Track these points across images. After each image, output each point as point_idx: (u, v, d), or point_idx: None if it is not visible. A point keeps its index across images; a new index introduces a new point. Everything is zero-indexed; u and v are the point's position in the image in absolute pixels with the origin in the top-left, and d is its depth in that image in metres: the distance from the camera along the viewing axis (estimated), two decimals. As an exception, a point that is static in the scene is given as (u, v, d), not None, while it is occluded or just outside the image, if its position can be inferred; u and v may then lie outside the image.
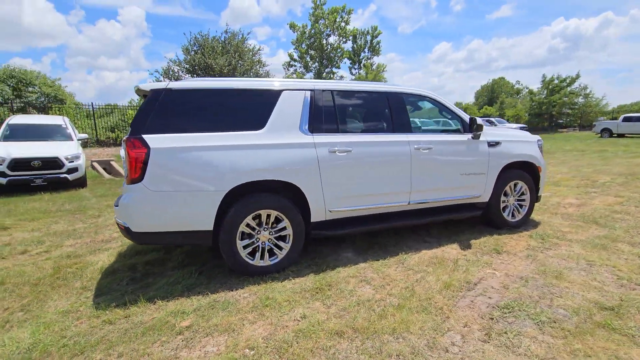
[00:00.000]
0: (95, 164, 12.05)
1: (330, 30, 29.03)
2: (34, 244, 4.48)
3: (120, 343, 2.29)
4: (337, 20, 28.41)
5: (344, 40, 30.12)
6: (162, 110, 3.03)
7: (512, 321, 2.45)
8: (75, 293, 3.08)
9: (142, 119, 2.97)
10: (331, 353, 2.15)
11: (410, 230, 4.49)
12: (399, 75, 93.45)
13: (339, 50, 29.94)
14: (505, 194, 4.49)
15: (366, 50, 32.86)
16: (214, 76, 16.85)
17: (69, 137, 9.12)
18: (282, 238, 3.38)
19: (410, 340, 2.26)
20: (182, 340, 2.32)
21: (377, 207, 3.75)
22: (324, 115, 3.52)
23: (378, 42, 32.55)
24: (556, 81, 35.99)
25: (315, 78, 29.88)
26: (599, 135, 24.01)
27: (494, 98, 54.93)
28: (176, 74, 17.63)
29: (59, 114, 14.50)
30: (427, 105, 4.32)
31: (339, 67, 30.89)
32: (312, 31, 28.41)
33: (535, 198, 4.64)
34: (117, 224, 3.14)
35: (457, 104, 54.84)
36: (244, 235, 3.22)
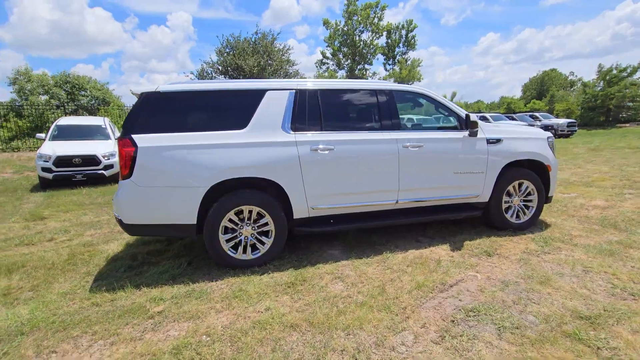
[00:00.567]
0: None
1: (363, 27, 28.72)
2: (61, 233, 5.00)
3: (98, 323, 2.54)
4: (371, 16, 28.02)
5: (377, 36, 29.64)
6: (151, 111, 3.27)
7: (472, 325, 2.38)
8: (78, 277, 3.43)
9: (133, 120, 3.23)
10: (279, 344, 2.23)
11: (406, 230, 4.43)
12: (442, 69, 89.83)
13: (371, 46, 29.51)
14: (509, 194, 4.27)
15: (401, 45, 32.07)
16: (244, 76, 17.45)
17: (107, 137, 9.94)
18: (265, 233, 3.50)
19: (360, 337, 2.28)
20: (151, 324, 2.52)
21: (362, 206, 3.75)
22: (308, 114, 3.58)
23: (413, 37, 31.65)
24: (615, 71, 32.71)
25: (347, 75, 29.75)
26: (663, 130, 21.54)
27: (544, 91, 51.14)
28: (210, 75, 18.50)
29: (105, 115, 15.84)
30: (422, 102, 4.21)
31: (371, 64, 30.50)
32: (345, 28, 28.28)
33: (543, 199, 4.35)
34: (115, 217, 3.44)
35: (503, 99, 51.79)
36: (227, 230, 3.39)
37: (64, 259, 3.89)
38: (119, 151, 3.16)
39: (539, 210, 4.37)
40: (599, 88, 34.07)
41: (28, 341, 2.35)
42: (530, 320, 2.40)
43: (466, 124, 3.91)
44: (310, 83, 3.72)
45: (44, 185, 8.67)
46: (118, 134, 3.13)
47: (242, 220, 3.42)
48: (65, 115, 14.78)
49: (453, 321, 2.43)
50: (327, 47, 29.45)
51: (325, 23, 28.65)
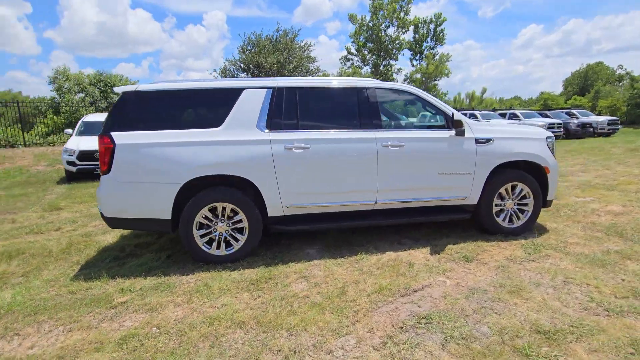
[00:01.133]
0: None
1: (389, 22, 28.13)
2: (69, 223, 5.34)
3: (65, 310, 2.70)
4: (397, 10, 27.34)
5: (404, 30, 28.90)
6: (131, 110, 3.41)
7: (420, 333, 2.30)
8: (67, 266, 3.65)
9: (113, 118, 3.38)
10: (219, 341, 2.27)
11: (392, 231, 4.32)
12: (478, 64, 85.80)
13: (397, 41, 28.82)
14: (501, 197, 4.05)
15: (429, 39, 31.08)
16: (265, 74, 17.66)
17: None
18: (239, 230, 3.56)
19: (301, 339, 2.27)
20: (112, 314, 2.64)
21: (339, 205, 3.70)
22: (284, 112, 3.58)
23: (442, 31, 30.51)
24: (668, 64, 29.87)
25: (372, 72, 29.31)
26: None
27: (587, 87, 47.72)
28: (232, 73, 18.92)
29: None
30: (407, 100, 4.08)
31: (396, 60, 29.85)
32: (371, 24, 27.82)
33: (540, 203, 4.09)
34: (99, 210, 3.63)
35: (542, 94, 48.89)
36: (202, 226, 3.47)
37: (61, 248, 4.15)
38: (99, 148, 3.32)
39: (535, 214, 4.12)
40: (649, 83, 31.32)
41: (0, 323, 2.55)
42: (483, 331, 2.28)
43: (451, 123, 3.74)
44: (289, 81, 3.71)
45: (69, 177, 9.28)
46: None
47: (216, 216, 3.49)
48: (97, 112, 15.68)
49: (402, 327, 2.36)
50: (352, 42, 29.19)
51: (351, 18, 28.36)
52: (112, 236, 4.59)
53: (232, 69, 18.93)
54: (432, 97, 3.99)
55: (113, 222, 3.44)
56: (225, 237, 3.53)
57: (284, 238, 4.18)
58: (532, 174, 4.06)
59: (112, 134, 3.29)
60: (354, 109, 3.77)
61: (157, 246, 4.11)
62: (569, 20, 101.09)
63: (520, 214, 4.11)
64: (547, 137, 4.14)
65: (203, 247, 3.47)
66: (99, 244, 4.32)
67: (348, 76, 26.13)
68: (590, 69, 50.50)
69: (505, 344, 2.14)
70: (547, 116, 20.93)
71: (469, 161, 3.84)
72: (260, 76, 18.00)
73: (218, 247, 3.51)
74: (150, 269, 3.44)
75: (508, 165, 4.02)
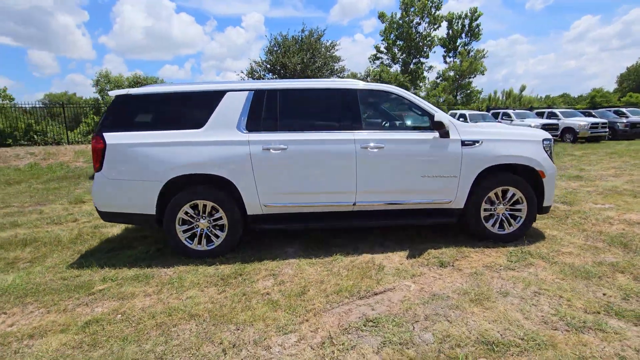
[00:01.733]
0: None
1: (419, 18, 27.37)
2: (85, 216, 5.81)
3: (51, 294, 2.98)
4: (428, 5, 26.49)
5: (435, 27, 27.95)
6: (122, 112, 3.66)
7: (361, 335, 2.30)
8: (69, 254, 4.00)
9: (106, 119, 3.65)
10: (170, 330, 2.41)
11: (379, 233, 4.28)
12: (524, 59, 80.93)
13: (428, 38, 27.95)
14: (491, 202, 3.88)
15: (463, 35, 29.81)
16: (289, 74, 17.91)
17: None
18: (220, 227, 3.71)
19: (245, 333, 2.35)
20: (88, 300, 2.89)
21: (317, 206, 3.74)
22: (264, 114, 3.68)
23: (478, 25, 29.10)
24: None
25: (402, 70, 28.67)
26: None
27: (646, 82, 43.57)
28: (258, 74, 19.37)
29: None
30: (391, 101, 4.02)
31: (427, 57, 28.93)
32: (401, 21, 27.21)
33: (535, 209, 3.87)
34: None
35: (595, 90, 45.27)
36: (185, 222, 3.66)
37: (70, 238, 4.54)
38: (92, 147, 3.60)
39: (529, 221, 3.91)
40: None
41: (-7, 302, 2.87)
42: (425, 338, 2.24)
43: (433, 125, 3.65)
44: (270, 84, 3.80)
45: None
46: None
47: (198, 213, 3.66)
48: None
49: (346, 329, 2.37)
50: (382, 41, 28.76)
51: (381, 16, 27.89)
52: (118, 229, 4.94)
53: (258, 70, 19.40)
54: (417, 98, 3.91)
55: (105, 216, 3.72)
56: (206, 233, 3.69)
57: (267, 237, 4.29)
58: (526, 178, 3.86)
59: (104, 134, 3.56)
60: (334, 111, 3.80)
61: (152, 239, 4.37)
62: (631, 10, 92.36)
63: (512, 220, 3.92)
64: (544, 140, 3.90)
65: (185, 242, 3.66)
66: (104, 235, 4.67)
67: (375, 75, 25.85)
68: (649, 63, 46.07)
69: (442, 352, 2.09)
70: (590, 115, 19.40)
71: (454, 164, 3.72)
72: (285, 77, 18.29)
73: (199, 243, 3.69)
74: (137, 260, 3.68)
75: (499, 169, 3.86)
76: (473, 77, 29.70)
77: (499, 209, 3.90)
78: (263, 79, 19.07)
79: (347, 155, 3.63)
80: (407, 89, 27.00)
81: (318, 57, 18.70)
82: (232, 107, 3.66)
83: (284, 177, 3.63)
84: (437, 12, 27.06)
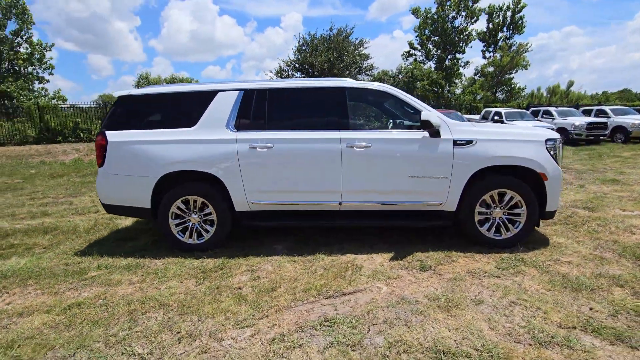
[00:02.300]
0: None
1: (456, 12, 26.21)
2: (107, 207, 6.25)
3: (49, 278, 3.27)
4: (464, -1, 25.30)
5: (473, 20, 26.59)
6: (123, 111, 3.91)
7: (314, 334, 2.30)
8: (80, 242, 4.34)
9: (109, 118, 3.92)
10: (139, 317, 2.56)
11: (373, 233, 4.21)
12: (580, 52, 74.48)
13: (465, 33, 26.67)
14: (487, 205, 3.68)
15: (505, 28, 28.10)
16: (315, 73, 18.00)
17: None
18: (210, 222, 3.85)
19: (204, 325, 2.44)
20: (79, 285, 3.13)
21: (303, 204, 3.76)
22: (253, 113, 3.76)
23: (521, 18, 27.31)
24: None
25: (436, 66, 27.62)
26: None
27: None
28: (287, 73, 19.65)
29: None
30: (381, 100, 3.93)
31: (463, 52, 27.56)
32: (436, 16, 26.23)
33: (536, 213, 3.62)
34: None
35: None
36: (177, 216, 3.84)
37: (86, 228, 4.93)
38: (95, 144, 3.89)
39: (528, 226, 3.66)
40: None
41: (1, 282, 3.20)
42: (376, 342, 2.19)
43: (420, 124, 3.52)
44: (260, 84, 3.87)
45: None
46: None
47: (189, 208, 3.82)
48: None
49: (301, 327, 2.38)
50: (415, 37, 27.91)
51: (415, 12, 27.06)
52: (129, 221, 5.28)
53: (287, 69, 19.69)
54: (408, 97, 3.79)
55: (107, 208, 4.00)
56: (197, 228, 3.85)
57: (260, 234, 4.37)
58: (527, 181, 3.62)
59: (106, 132, 3.83)
60: (321, 109, 3.79)
61: (155, 232, 4.63)
62: None
63: (511, 225, 3.69)
64: (548, 140, 3.63)
65: (177, 235, 3.84)
66: (116, 226, 5.02)
67: (407, 72, 25.20)
68: None
69: (387, 357, 2.04)
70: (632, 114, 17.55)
71: (445, 164, 3.57)
72: (313, 75, 18.39)
73: (191, 236, 3.85)
74: (134, 251, 3.92)
75: (496, 170, 3.65)
76: (515, 73, 28.01)
77: (496, 213, 3.69)
78: (291, 77, 19.34)
79: (332, 154, 3.61)
80: (442, 86, 26.07)
81: (346, 56, 18.59)
82: (223, 106, 3.78)
83: (270, 175, 3.69)
84: (475, 5, 25.76)
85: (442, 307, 2.56)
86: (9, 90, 17.20)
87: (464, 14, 26.38)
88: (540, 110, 17.91)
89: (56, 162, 12.47)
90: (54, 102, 18.59)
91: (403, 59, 28.18)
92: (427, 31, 27.34)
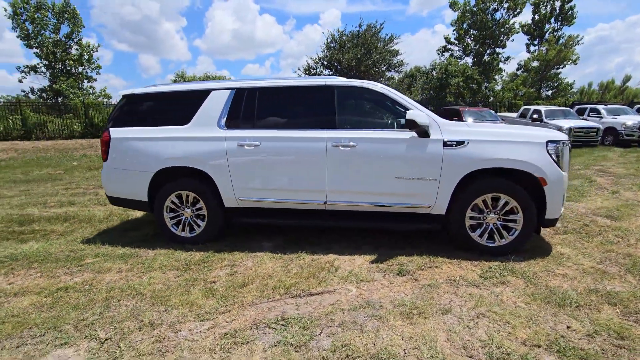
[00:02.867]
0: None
1: (497, 4, 24.69)
2: (127, 199, 6.67)
3: (52, 262, 3.55)
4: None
5: (516, 12, 24.87)
6: (127, 109, 4.15)
7: (266, 332, 2.32)
8: (90, 231, 4.68)
9: (114, 116, 4.18)
10: (112, 303, 2.72)
11: (366, 234, 4.14)
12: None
13: (506, 26, 25.02)
14: (479, 209, 3.49)
15: (552, 20, 26.03)
16: (342, 70, 17.86)
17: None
18: (202, 217, 3.99)
19: (167, 315, 2.55)
20: (75, 270, 3.38)
21: (289, 203, 3.78)
22: (243, 112, 3.83)
23: (571, 8, 25.15)
24: None
25: (474, 62, 26.24)
26: None
27: None
28: (314, 70, 19.68)
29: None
30: (371, 98, 3.83)
31: (504, 47, 25.87)
32: (475, 8, 24.90)
33: (533, 220, 3.37)
34: None
35: None
36: (172, 210, 4.02)
37: (101, 218, 5.29)
38: (101, 140, 4.16)
39: (525, 234, 3.43)
40: None
41: (10, 264, 3.53)
42: (323, 344, 2.17)
43: (405, 123, 3.40)
44: (252, 82, 3.93)
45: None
46: None
47: (182, 203, 3.99)
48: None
49: (256, 324, 2.41)
50: (453, 31, 26.70)
51: (453, 5, 25.85)
52: (141, 212, 5.60)
53: (315, 67, 19.72)
54: (399, 95, 3.67)
55: (112, 200, 4.28)
56: (189, 222, 4.01)
57: (250, 231, 4.45)
58: (522, 185, 3.38)
59: (110, 129, 4.08)
60: (310, 108, 3.78)
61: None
62: None
63: (506, 232, 3.47)
64: (549, 142, 3.35)
65: (172, 228, 4.02)
66: (128, 217, 5.35)
67: (441, 68, 24.26)
68: None
69: (327, 361, 2.01)
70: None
71: (433, 166, 3.43)
72: (340, 72, 18.28)
73: (183, 230, 4.02)
74: (133, 241, 4.16)
75: (491, 173, 3.44)
76: (562, 68, 25.96)
77: (490, 219, 3.48)
78: (319, 75, 19.37)
79: (317, 153, 3.60)
80: (479, 83, 24.81)
81: (374, 52, 18.25)
82: (215, 105, 3.88)
83: (256, 173, 3.75)
84: (518, -5, 24.12)
85: (405, 314, 2.48)
86: (61, 89, 18.85)
87: (506, 5, 24.82)
88: (586, 108, 16.53)
89: (96, 156, 13.45)
90: (100, 99, 20.02)
91: (438, 54, 27.12)
92: (465, 24, 26.09)
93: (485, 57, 25.96)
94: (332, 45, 18.96)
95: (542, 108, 15.71)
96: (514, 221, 3.44)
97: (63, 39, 20.11)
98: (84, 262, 3.54)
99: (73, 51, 20.57)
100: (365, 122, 3.91)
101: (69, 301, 2.78)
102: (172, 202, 3.98)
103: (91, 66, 21.12)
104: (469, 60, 26.43)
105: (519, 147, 3.35)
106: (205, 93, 3.94)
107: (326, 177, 3.62)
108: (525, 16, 29.16)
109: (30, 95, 20.45)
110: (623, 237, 3.94)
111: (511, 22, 25.39)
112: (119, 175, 4.08)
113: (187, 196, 3.94)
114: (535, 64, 26.69)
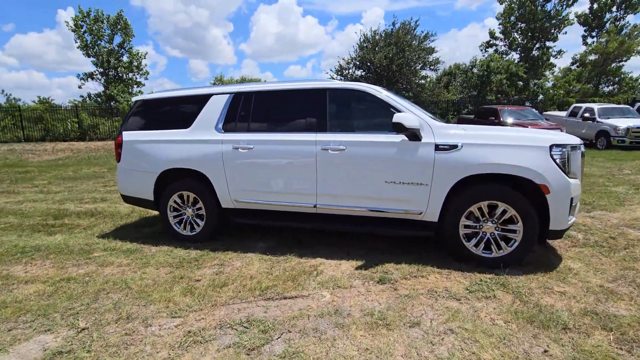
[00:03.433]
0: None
1: (548, -6, 22.82)
2: (152, 197, 7.11)
3: (65, 254, 3.90)
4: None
5: (569, 2, 22.73)
6: (138, 114, 4.44)
7: (226, 333, 2.37)
8: (109, 226, 5.06)
9: (126, 120, 4.48)
10: (103, 295, 2.93)
11: (360, 238, 4.07)
12: None
13: (558, 17, 22.96)
14: (475, 218, 3.28)
15: (614, 9, 23.46)
16: (373, 70, 17.52)
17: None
18: (201, 217, 4.15)
19: (144, 310, 2.69)
20: (82, 262, 3.68)
21: (281, 205, 3.82)
22: (239, 116, 3.93)
23: (638, -6, 22.51)
24: None
25: (521, 57, 24.36)
26: None
27: None
28: (346, 71, 19.50)
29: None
30: (364, 101, 3.73)
31: (555, 40, 23.68)
32: (523, 0, 23.14)
33: (535, 230, 3.10)
34: None
35: None
36: (175, 209, 4.23)
37: (124, 214, 5.70)
38: (115, 142, 4.48)
39: (526, 245, 3.17)
40: None
41: (32, 254, 3.93)
42: (274, 350, 2.16)
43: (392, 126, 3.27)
44: (250, 86, 4.02)
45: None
46: None
47: (184, 202, 4.18)
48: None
49: (221, 325, 2.47)
50: (499, 25, 25.09)
51: (499, -3, 24.34)
52: (160, 210, 5.94)
53: (347, 67, 19.58)
54: (392, 98, 3.56)
55: (124, 198, 4.60)
56: (190, 221, 4.19)
57: (248, 231, 4.53)
58: (523, 192, 3.12)
59: (123, 132, 4.39)
60: (302, 111, 3.78)
61: (170, 221, 5.14)
62: None
63: (504, 242, 3.23)
64: (554, 146, 3.06)
65: (175, 227, 4.23)
66: (148, 215, 5.71)
67: (482, 65, 22.95)
68: None
69: (273, 367, 2.01)
70: None
71: (423, 170, 3.27)
72: (373, 72, 17.98)
73: (185, 228, 4.21)
74: (143, 237, 4.44)
75: (489, 179, 3.22)
76: (625, 60, 23.39)
77: (487, 228, 3.25)
78: (351, 76, 19.20)
79: (307, 156, 3.59)
80: (527, 81, 23.15)
81: (408, 51, 17.70)
82: (214, 109, 4.03)
83: (250, 175, 3.83)
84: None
85: (370, 324, 2.40)
86: (113, 93, 20.60)
87: (558, -6, 22.89)
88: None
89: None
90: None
91: (481, 50, 25.67)
92: (512, 18, 24.45)
93: (534, 52, 24.14)
94: (365, 45, 18.72)
95: (596, 106, 14.32)
96: (514, 231, 3.18)
97: (116, 48, 21.94)
98: (91, 255, 3.84)
99: (124, 59, 22.35)
100: (357, 125, 3.83)
101: (67, 291, 3.03)
102: (175, 201, 4.18)
103: (140, 72, 22.82)
104: (515, 55, 24.75)
105: (519, 152, 3.10)
106: (206, 98, 4.10)
107: (316, 181, 3.60)
108: (581, 6, 26.66)
109: (87, 100, 22.57)
110: (652, 253, 3.49)
111: (564, 13, 23.37)
112: (129, 175, 4.38)
113: (188, 196, 4.12)
114: (593, 57, 24.34)
